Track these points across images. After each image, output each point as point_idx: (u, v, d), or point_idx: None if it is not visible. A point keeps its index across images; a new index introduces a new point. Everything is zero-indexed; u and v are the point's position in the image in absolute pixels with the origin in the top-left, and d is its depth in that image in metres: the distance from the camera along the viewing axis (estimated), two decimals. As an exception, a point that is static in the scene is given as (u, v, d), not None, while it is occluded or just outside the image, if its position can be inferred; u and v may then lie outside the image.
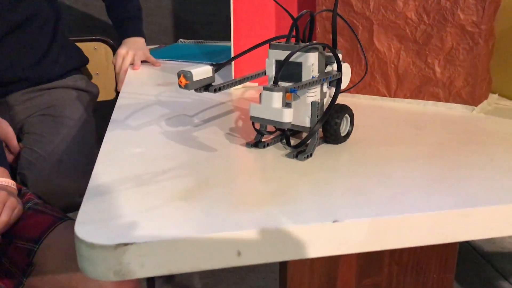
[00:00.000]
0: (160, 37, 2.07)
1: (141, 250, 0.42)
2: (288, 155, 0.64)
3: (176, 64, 1.31)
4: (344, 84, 0.70)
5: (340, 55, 0.69)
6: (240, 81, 0.65)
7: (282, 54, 0.66)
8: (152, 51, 1.40)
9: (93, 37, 1.61)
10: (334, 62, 0.69)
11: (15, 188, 0.95)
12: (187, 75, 0.58)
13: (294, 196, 0.52)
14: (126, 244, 0.41)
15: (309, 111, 0.67)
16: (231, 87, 0.63)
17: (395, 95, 0.93)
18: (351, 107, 0.85)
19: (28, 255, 0.90)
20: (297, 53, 0.65)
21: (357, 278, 0.65)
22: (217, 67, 0.62)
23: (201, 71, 0.59)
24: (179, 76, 0.58)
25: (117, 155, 0.63)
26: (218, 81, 1.10)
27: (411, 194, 0.53)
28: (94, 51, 1.61)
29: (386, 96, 0.94)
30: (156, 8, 1.98)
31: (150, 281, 1.58)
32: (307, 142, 0.66)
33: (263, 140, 0.69)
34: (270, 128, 0.71)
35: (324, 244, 0.48)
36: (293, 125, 0.69)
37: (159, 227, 0.45)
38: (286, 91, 0.59)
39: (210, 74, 0.60)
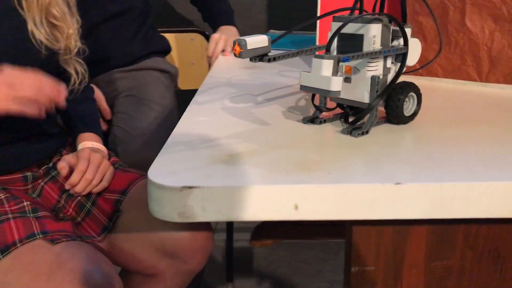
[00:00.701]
0: (252, 32, 2.08)
1: (204, 194, 0.45)
2: (342, 131, 0.61)
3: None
4: (413, 60, 0.66)
5: (409, 30, 0.64)
6: (297, 53, 0.63)
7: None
8: None
9: (190, 28, 1.68)
10: (401, 37, 0.64)
11: (107, 153, 1.02)
12: (241, 43, 0.57)
13: (349, 162, 0.52)
14: (190, 187, 0.45)
15: (369, 86, 0.63)
16: (286, 58, 0.61)
17: (486, 79, 0.85)
18: (435, 92, 0.80)
19: (115, 203, 0.96)
20: (359, 25, 0.61)
21: (426, 259, 0.60)
22: (275, 38, 0.61)
23: (256, 40, 0.58)
24: (234, 44, 0.58)
25: (190, 123, 0.66)
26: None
27: (482, 164, 0.50)
28: (191, 41, 1.68)
29: (476, 80, 0.86)
30: (248, 3, 2.02)
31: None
32: (365, 119, 0.62)
33: (320, 116, 0.66)
34: (330, 104, 0.68)
35: (385, 207, 0.46)
36: (351, 101, 0.65)
37: (223, 176, 0.47)
38: (338, 60, 0.56)
39: (266, 44, 0.58)
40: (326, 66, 0.55)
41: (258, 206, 0.46)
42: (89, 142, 0.99)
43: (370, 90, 0.63)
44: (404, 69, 0.65)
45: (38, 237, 0.79)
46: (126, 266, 0.97)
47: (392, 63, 0.65)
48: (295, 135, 0.61)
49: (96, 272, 0.76)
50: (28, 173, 0.94)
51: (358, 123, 0.62)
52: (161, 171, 0.49)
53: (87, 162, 0.92)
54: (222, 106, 0.74)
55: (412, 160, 0.52)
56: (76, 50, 0.95)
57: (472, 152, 0.55)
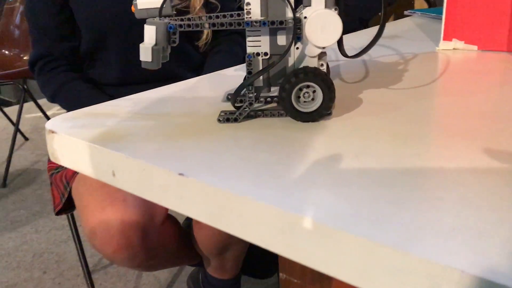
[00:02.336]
0: None
1: (61, 140, 0.50)
2: (218, 117, 0.53)
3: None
4: (322, 40, 0.49)
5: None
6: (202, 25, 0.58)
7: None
8: None
9: None
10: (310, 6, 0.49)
11: None
12: (134, 2, 0.58)
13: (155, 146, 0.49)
14: (52, 132, 0.50)
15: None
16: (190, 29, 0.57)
17: None
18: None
19: None
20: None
21: None
22: None
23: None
24: (134, 5, 0.59)
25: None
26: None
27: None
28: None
29: None
30: None
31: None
32: (243, 104, 0.53)
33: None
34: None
35: (173, 198, 0.44)
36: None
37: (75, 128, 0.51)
38: (165, 26, 0.50)
39: (157, 5, 0.57)
40: (148, 33, 0.51)
41: (87, 163, 0.48)
42: None
43: (246, 69, 0.52)
44: (307, 50, 0.50)
45: None
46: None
47: (294, 41, 0.50)
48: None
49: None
50: None
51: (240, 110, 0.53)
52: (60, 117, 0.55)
53: None
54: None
55: (226, 160, 0.44)
56: (201, 4, 1.02)
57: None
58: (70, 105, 1.06)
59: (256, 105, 0.56)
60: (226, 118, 0.52)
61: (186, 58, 1.12)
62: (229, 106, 0.55)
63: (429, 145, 0.44)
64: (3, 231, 1.86)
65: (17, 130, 2.38)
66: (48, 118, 2.43)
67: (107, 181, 0.47)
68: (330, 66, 0.68)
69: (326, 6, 0.48)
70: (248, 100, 0.52)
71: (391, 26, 1.09)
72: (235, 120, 0.52)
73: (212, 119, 0.53)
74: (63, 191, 1.00)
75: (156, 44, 0.50)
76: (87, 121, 0.53)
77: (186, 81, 0.68)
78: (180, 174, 0.40)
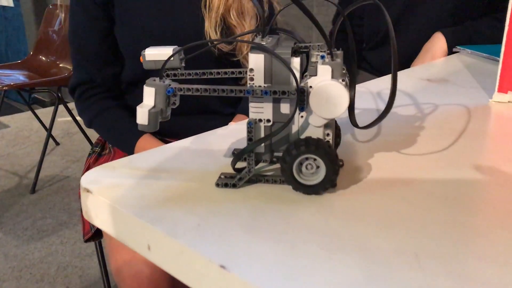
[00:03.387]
0: None
1: (96, 201, 0.48)
2: (217, 181, 0.51)
3: None
4: (327, 111, 0.47)
5: (324, 68, 0.46)
6: (203, 73, 0.56)
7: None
8: None
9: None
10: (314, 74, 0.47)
11: None
12: (142, 53, 0.57)
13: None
14: (88, 191, 0.49)
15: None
16: (185, 76, 0.56)
17: None
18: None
19: None
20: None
21: None
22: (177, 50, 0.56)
23: (158, 51, 0.56)
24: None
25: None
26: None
27: None
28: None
29: None
30: None
31: None
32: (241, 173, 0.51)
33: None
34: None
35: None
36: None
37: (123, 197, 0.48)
38: (165, 88, 0.49)
39: (166, 57, 0.55)
40: (147, 94, 0.49)
41: (121, 230, 0.46)
42: (241, 116, 1.07)
43: (247, 138, 0.50)
44: (313, 120, 0.47)
45: None
46: None
47: (299, 110, 0.48)
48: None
49: None
50: None
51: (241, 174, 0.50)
52: (94, 171, 0.53)
53: None
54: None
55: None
56: (248, 49, 1.01)
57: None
58: (105, 134, 1.07)
59: (260, 165, 0.53)
60: (224, 183, 0.50)
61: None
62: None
63: (462, 262, 0.40)
64: (29, 241, 1.89)
65: (50, 135, 2.42)
66: (78, 123, 2.45)
67: (142, 253, 0.44)
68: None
69: (333, 77, 0.46)
70: (248, 167, 0.49)
71: (439, 66, 1.03)
72: (234, 186, 0.50)
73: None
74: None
75: (154, 106, 0.48)
76: (124, 178, 0.51)
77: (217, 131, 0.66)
78: (222, 266, 0.37)
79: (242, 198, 0.48)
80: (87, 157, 1.15)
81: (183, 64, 0.56)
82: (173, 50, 0.55)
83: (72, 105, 2.46)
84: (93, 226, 0.98)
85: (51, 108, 2.43)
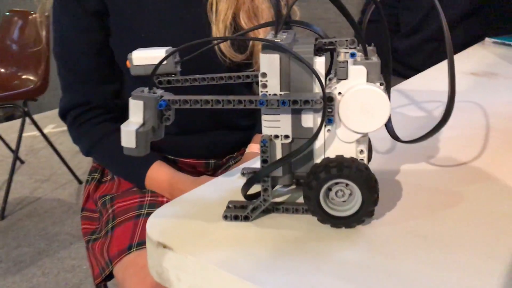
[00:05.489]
0: None
1: (178, 261, 0.37)
2: (224, 212, 0.42)
3: None
4: (360, 125, 0.37)
5: (358, 69, 0.36)
6: (194, 80, 0.46)
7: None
8: None
9: None
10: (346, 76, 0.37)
11: None
12: (129, 57, 0.48)
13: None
14: (164, 246, 0.37)
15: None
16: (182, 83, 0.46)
17: None
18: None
19: None
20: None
21: None
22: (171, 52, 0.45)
23: (147, 54, 0.46)
24: (129, 58, 0.48)
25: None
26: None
27: None
28: None
29: None
30: None
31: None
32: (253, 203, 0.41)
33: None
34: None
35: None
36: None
37: (209, 246, 0.38)
38: (155, 101, 0.39)
39: (156, 62, 0.45)
40: (134, 109, 0.39)
41: None
42: (256, 146, 0.94)
43: (261, 157, 0.40)
44: (335, 134, 0.37)
45: None
46: None
47: (326, 123, 0.38)
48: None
49: None
50: (212, 161, 0.95)
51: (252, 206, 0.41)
52: (162, 216, 0.42)
53: None
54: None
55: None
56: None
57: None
58: (108, 163, 0.93)
59: (275, 188, 0.44)
60: (234, 215, 0.40)
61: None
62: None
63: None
64: (6, 274, 1.63)
65: (17, 154, 2.11)
66: (45, 136, 2.19)
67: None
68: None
69: (368, 80, 0.36)
70: (263, 196, 0.40)
71: (474, 57, 0.92)
72: (246, 218, 0.40)
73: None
74: (103, 266, 0.82)
75: (143, 124, 0.38)
76: (205, 225, 0.40)
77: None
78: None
79: (254, 235, 0.38)
80: (85, 184, 0.99)
81: (179, 69, 0.46)
82: (166, 51, 0.45)
83: (38, 117, 2.25)
84: (103, 270, 0.81)
85: (6, 124, 2.22)
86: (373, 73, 0.36)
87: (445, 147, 0.52)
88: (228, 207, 0.42)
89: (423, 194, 0.43)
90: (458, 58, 0.92)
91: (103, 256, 0.82)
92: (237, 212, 0.41)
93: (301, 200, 0.41)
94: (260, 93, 0.38)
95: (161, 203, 0.83)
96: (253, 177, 0.40)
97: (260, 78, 0.38)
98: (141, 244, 0.77)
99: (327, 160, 0.37)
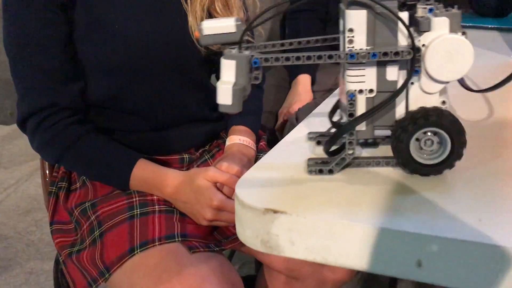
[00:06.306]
0: None
1: (293, 223, 0.36)
2: (308, 167, 0.43)
3: None
4: (445, 74, 0.39)
5: (442, 20, 0.38)
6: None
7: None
8: None
9: None
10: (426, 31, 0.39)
11: (254, 149, 0.92)
12: (200, 27, 0.49)
13: None
14: (275, 212, 0.36)
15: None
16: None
17: None
18: None
19: None
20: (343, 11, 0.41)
21: None
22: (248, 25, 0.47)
23: (217, 24, 0.48)
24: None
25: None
26: None
27: None
28: None
29: None
30: None
31: None
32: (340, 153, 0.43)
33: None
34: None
35: None
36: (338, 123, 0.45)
37: (320, 204, 0.37)
38: (248, 60, 0.41)
39: (231, 30, 0.47)
40: (226, 68, 0.41)
41: (367, 252, 0.34)
42: (237, 137, 0.90)
43: (347, 111, 0.42)
44: (420, 84, 0.39)
45: (177, 239, 0.75)
46: (269, 263, 0.93)
47: (411, 73, 0.40)
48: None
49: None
50: (186, 155, 0.90)
51: (337, 158, 0.42)
52: (251, 185, 0.41)
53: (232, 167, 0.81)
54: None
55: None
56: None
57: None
58: (84, 168, 0.85)
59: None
60: (319, 169, 0.42)
61: (211, 97, 0.96)
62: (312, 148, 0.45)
63: None
64: None
65: None
66: None
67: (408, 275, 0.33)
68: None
69: (451, 30, 0.38)
70: (348, 148, 0.42)
71: None
72: (330, 172, 0.42)
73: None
74: (96, 276, 0.77)
75: (236, 83, 0.40)
76: (291, 183, 0.41)
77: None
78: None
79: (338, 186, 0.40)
80: (50, 197, 0.89)
81: (247, 37, 0.48)
82: (235, 21, 0.47)
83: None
84: (94, 282, 0.76)
85: None
86: (455, 24, 0.38)
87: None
88: (308, 163, 0.43)
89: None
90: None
91: (96, 265, 0.77)
92: (321, 166, 0.42)
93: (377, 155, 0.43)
94: (347, 49, 0.40)
95: (152, 202, 0.81)
96: (338, 131, 0.42)
97: (347, 34, 0.40)
98: (145, 244, 0.74)
99: (413, 112, 0.39)
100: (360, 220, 0.34)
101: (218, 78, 0.95)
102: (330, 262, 0.34)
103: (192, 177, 0.79)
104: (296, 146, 0.49)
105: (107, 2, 0.80)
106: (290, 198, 0.38)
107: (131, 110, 0.86)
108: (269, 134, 1.39)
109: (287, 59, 0.40)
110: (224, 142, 0.92)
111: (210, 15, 0.84)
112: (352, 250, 0.34)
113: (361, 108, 0.41)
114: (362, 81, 0.41)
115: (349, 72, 0.41)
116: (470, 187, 0.38)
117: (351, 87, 0.41)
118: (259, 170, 0.44)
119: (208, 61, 0.87)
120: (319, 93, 1.32)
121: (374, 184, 0.40)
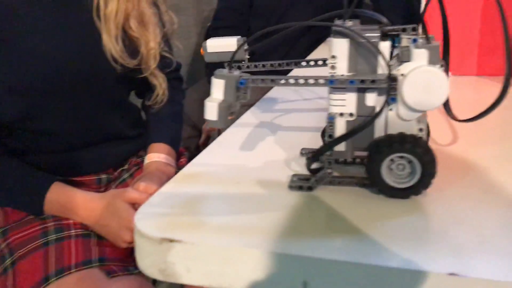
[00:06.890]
0: None
1: (188, 251, 0.37)
2: (290, 183, 0.46)
3: None
4: (422, 103, 0.41)
5: (421, 52, 0.40)
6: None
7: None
8: None
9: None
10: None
11: (174, 166, 0.90)
12: (203, 45, 0.53)
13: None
14: (171, 241, 0.37)
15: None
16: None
17: None
18: None
19: None
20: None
21: None
22: (249, 41, 0.50)
23: (220, 42, 0.51)
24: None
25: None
26: None
27: None
28: None
29: None
30: None
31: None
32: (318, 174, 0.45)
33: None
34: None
35: None
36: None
37: (216, 232, 0.38)
38: (236, 80, 0.44)
39: (233, 48, 0.50)
40: (216, 86, 0.44)
41: (260, 275, 0.36)
42: (155, 155, 0.89)
43: (329, 134, 0.44)
44: (401, 112, 0.41)
45: (94, 264, 0.74)
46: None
47: (387, 100, 0.42)
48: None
49: None
50: (104, 176, 0.89)
51: (315, 177, 0.45)
52: (149, 215, 0.41)
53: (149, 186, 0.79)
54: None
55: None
56: (156, 63, 0.85)
57: None
58: None
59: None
60: (299, 186, 0.45)
61: (129, 114, 0.94)
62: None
63: None
64: None
65: None
66: None
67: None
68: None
69: (430, 62, 0.40)
70: (327, 167, 0.44)
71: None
72: (309, 189, 0.44)
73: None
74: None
75: (224, 100, 0.43)
76: (191, 208, 0.42)
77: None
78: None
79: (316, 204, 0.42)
80: None
81: (248, 56, 0.51)
82: (237, 40, 0.50)
83: None
84: None
85: None
86: (434, 56, 0.40)
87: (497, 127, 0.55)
88: (292, 179, 0.46)
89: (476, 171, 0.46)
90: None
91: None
92: (301, 183, 0.45)
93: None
94: (329, 74, 0.42)
95: (68, 226, 0.78)
96: (319, 150, 0.44)
97: (330, 60, 0.42)
98: (61, 272, 0.72)
99: (390, 136, 0.41)
100: (253, 245, 0.36)
101: (137, 95, 0.97)
102: (225, 287, 0.36)
103: (110, 199, 0.78)
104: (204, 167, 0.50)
105: (11, 21, 0.75)
106: (186, 226, 0.39)
107: (43, 131, 0.82)
108: (194, 149, 1.38)
109: (273, 81, 0.42)
110: (143, 160, 0.89)
111: (125, 32, 0.82)
112: (245, 275, 0.36)
113: (341, 130, 0.44)
114: (343, 104, 0.43)
115: (332, 96, 0.43)
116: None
117: (333, 110, 0.43)
118: (159, 197, 0.45)
119: (126, 78, 0.84)
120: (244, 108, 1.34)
121: (275, 210, 0.41)
